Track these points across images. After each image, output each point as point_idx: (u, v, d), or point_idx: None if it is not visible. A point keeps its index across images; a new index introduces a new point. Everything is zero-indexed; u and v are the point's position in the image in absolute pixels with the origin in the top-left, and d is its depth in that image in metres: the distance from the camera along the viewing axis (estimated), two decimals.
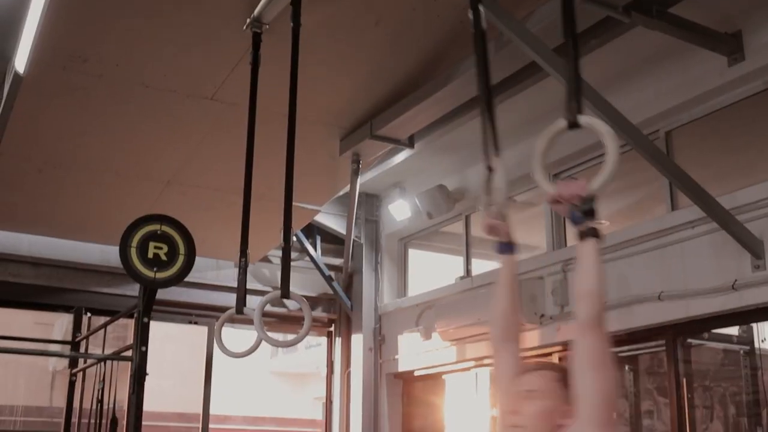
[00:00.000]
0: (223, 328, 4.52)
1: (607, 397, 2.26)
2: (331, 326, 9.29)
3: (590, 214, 2.32)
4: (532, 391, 2.48)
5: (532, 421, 2.45)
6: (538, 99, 6.15)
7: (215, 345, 4.54)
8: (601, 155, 6.46)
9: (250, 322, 4.14)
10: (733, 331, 5.87)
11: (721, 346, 6.11)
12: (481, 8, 3.47)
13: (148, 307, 5.08)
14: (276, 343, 4.25)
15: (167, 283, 4.94)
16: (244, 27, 4.73)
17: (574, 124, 2.42)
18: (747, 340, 5.88)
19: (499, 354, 2.74)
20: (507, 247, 2.81)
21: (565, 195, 2.35)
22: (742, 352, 5.87)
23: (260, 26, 4.73)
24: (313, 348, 17.16)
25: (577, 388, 2.30)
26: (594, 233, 2.30)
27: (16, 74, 4.94)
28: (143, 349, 5.01)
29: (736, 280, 4.90)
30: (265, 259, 8.54)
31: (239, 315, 4.28)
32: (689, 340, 5.61)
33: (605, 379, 2.26)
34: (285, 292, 4.00)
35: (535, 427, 2.44)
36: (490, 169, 3.03)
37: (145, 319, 5.05)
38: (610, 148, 2.35)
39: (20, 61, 4.86)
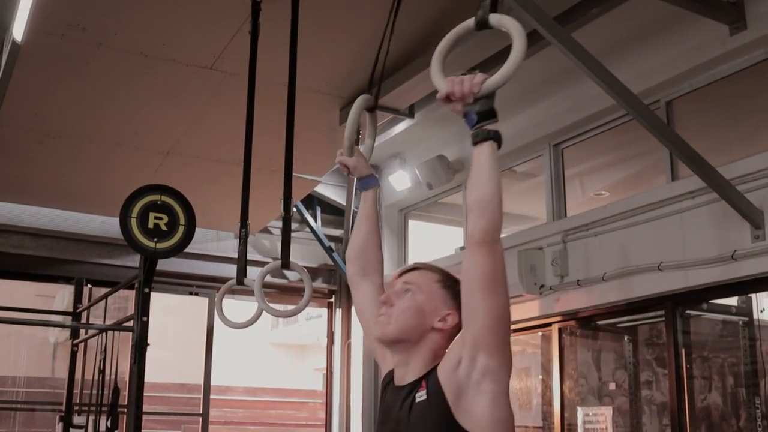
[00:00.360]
0: (224, 299, 4.54)
1: (499, 321, 2.03)
2: (331, 297, 9.32)
3: (488, 114, 2.02)
4: (409, 284, 2.27)
5: (402, 314, 2.23)
6: (538, 69, 6.13)
7: (216, 316, 4.55)
8: (603, 124, 6.47)
9: (250, 293, 4.16)
10: (732, 302, 5.88)
11: (719, 317, 6.13)
12: None
13: (148, 278, 5.09)
14: (277, 314, 4.26)
15: (168, 253, 4.94)
16: None
17: (483, 23, 2.11)
18: (746, 311, 5.90)
19: (359, 288, 2.53)
20: (367, 181, 2.62)
21: (458, 92, 2.02)
22: (740, 322, 5.89)
23: None
24: (314, 319, 17.24)
25: (464, 311, 2.07)
26: (491, 136, 2.01)
27: (14, 43, 4.91)
28: (144, 319, 5.02)
29: (735, 251, 4.90)
30: (266, 230, 8.55)
31: (240, 286, 4.29)
32: (688, 311, 5.62)
33: (497, 302, 2.02)
34: (285, 263, 4.01)
35: (404, 321, 2.22)
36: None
37: (146, 290, 5.05)
38: (517, 43, 2.02)
39: (18, 30, 4.82)
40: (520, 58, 2.01)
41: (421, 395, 2.13)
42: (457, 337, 2.20)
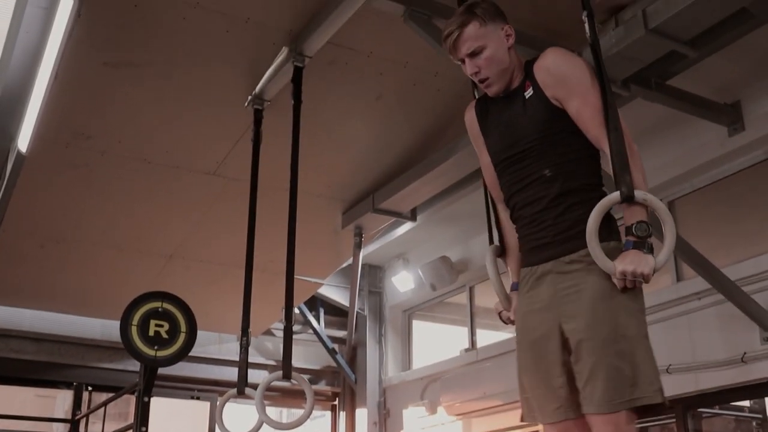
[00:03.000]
0: (226, 404, 4.44)
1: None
2: (335, 400, 9.17)
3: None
4: (469, 47, 2.62)
5: (491, 67, 2.62)
6: None
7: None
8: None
9: (253, 398, 4.08)
10: (744, 401, 5.78)
11: (733, 415, 6.02)
12: None
13: (148, 386, 5.02)
14: (278, 426, 4.16)
15: (168, 361, 4.88)
16: (246, 104, 4.77)
17: (629, 198, 2.34)
18: (759, 409, 5.79)
19: None
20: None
21: (630, 275, 2.29)
22: (754, 423, 5.77)
23: (261, 103, 4.77)
24: (318, 419, 16.90)
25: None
26: None
27: (19, 153, 4.96)
28: (143, 429, 4.93)
29: (745, 353, 4.83)
30: (268, 332, 8.47)
31: (241, 395, 4.21)
32: (700, 410, 5.51)
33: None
34: (287, 373, 3.94)
35: (498, 68, 2.62)
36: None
37: (146, 399, 4.98)
38: (668, 225, 2.32)
39: (23, 140, 4.88)
40: (674, 241, 2.31)
41: (528, 92, 2.60)
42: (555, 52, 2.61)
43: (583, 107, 2.51)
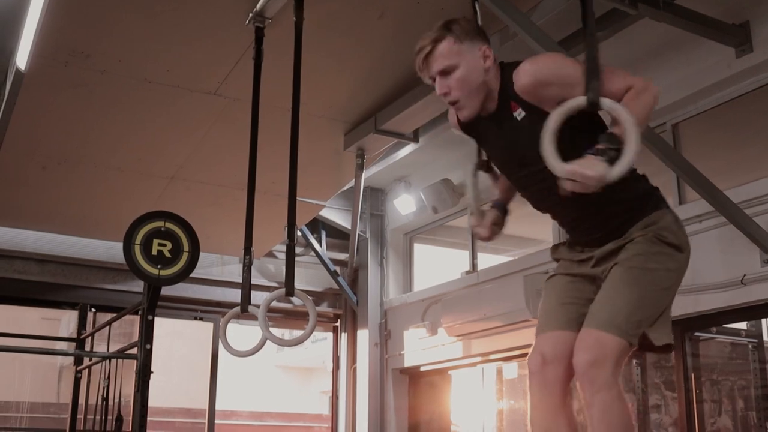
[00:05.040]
0: (229, 325, 4.49)
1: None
2: (336, 321, 9.28)
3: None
4: (441, 66, 2.50)
5: (462, 88, 2.49)
6: None
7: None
8: None
9: (255, 318, 4.11)
10: (742, 324, 5.83)
11: (729, 339, 6.08)
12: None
13: (152, 305, 5.06)
14: (281, 342, 4.22)
15: (171, 280, 4.92)
16: (247, 22, 4.70)
17: (594, 104, 2.32)
18: (755, 333, 5.85)
19: None
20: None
21: (578, 176, 2.26)
22: (750, 345, 5.83)
23: (263, 21, 4.69)
24: (319, 342, 17.17)
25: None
26: None
27: (18, 70, 4.91)
28: (148, 347, 4.99)
29: (744, 275, 4.86)
30: (270, 254, 8.52)
31: (244, 313, 4.25)
32: (697, 334, 5.57)
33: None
34: (289, 291, 3.96)
35: (468, 90, 2.49)
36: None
37: (150, 317, 5.03)
38: (630, 136, 2.25)
39: (22, 58, 4.83)
40: (635, 150, 2.23)
41: (518, 113, 2.47)
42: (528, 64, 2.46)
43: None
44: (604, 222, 2.52)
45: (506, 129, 2.52)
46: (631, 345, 2.39)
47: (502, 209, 2.87)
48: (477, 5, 3.50)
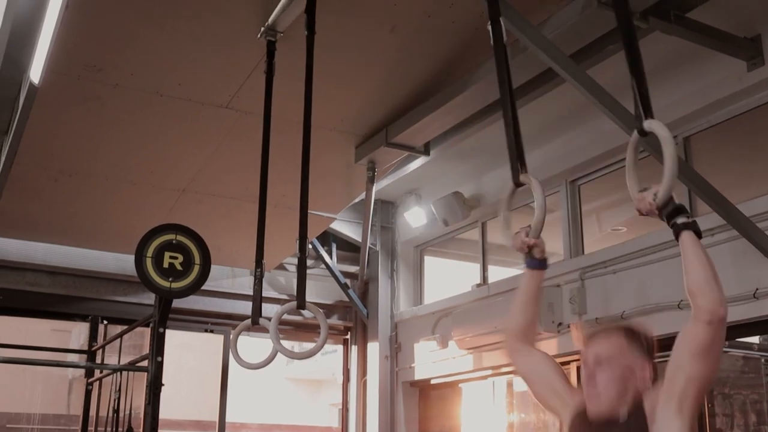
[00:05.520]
0: (239, 337, 4.50)
1: (701, 389, 2.29)
2: (347, 334, 9.27)
3: (675, 212, 2.36)
4: (600, 357, 2.47)
5: (607, 390, 2.43)
6: (555, 105, 6.12)
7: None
8: (620, 160, 6.42)
9: (266, 331, 4.12)
10: (754, 339, 5.81)
11: (741, 353, 6.05)
12: (501, 21, 3.43)
13: (163, 318, 5.08)
14: (292, 356, 4.23)
15: (183, 293, 4.93)
16: (258, 36, 4.72)
17: (643, 132, 2.54)
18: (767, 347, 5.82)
19: (529, 356, 2.79)
20: (538, 263, 2.82)
21: (645, 212, 2.41)
22: (763, 359, 5.80)
23: (275, 34, 4.71)
24: (330, 354, 17.13)
25: (670, 365, 2.30)
26: (684, 227, 2.32)
27: (31, 84, 4.94)
28: (159, 359, 5.00)
29: (757, 289, 4.83)
30: (281, 267, 8.53)
31: (255, 326, 4.26)
32: None
33: (703, 369, 2.27)
34: (301, 303, 3.97)
35: (612, 396, 2.42)
36: (517, 185, 3.00)
37: (161, 330, 5.05)
38: (668, 155, 2.40)
39: (35, 72, 4.85)
40: (675, 169, 2.38)
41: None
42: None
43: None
44: None
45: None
46: None
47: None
48: (500, 21, 3.49)
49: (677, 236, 2.33)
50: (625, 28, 2.73)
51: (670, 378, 2.31)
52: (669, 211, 2.36)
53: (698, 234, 2.33)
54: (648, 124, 2.53)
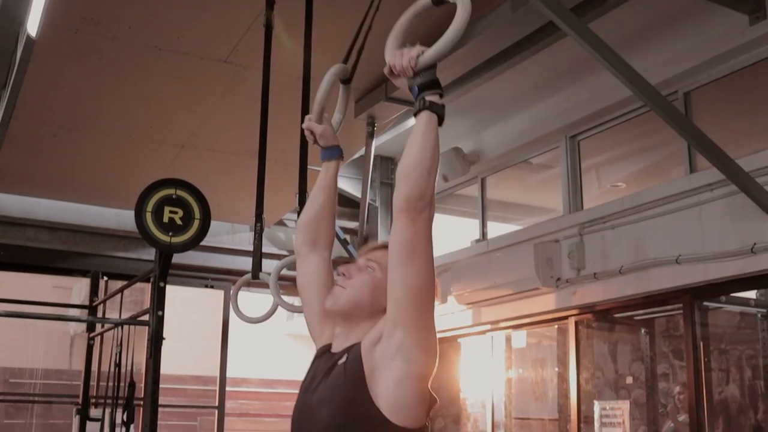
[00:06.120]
0: (240, 293, 4.53)
1: (415, 294, 1.94)
2: None
3: (429, 85, 1.99)
4: (371, 261, 2.17)
5: (357, 289, 2.14)
6: (555, 59, 6.08)
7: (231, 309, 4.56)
8: (620, 116, 6.41)
9: (266, 286, 4.14)
10: (751, 294, 5.84)
11: (738, 309, 6.09)
12: None
13: (163, 272, 5.09)
14: (292, 309, 4.24)
15: (183, 247, 4.94)
16: None
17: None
18: (764, 303, 5.85)
19: (306, 260, 2.40)
20: (331, 151, 2.53)
21: (398, 66, 2.02)
22: (759, 315, 5.84)
23: None
24: None
25: (388, 284, 1.99)
26: (428, 107, 1.96)
27: (29, 38, 4.90)
28: (159, 313, 5.03)
29: (755, 244, 4.85)
30: (281, 223, 8.55)
31: (255, 280, 4.27)
32: (706, 303, 5.57)
33: (413, 273, 1.93)
34: None
35: (358, 296, 2.13)
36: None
37: (161, 284, 5.06)
38: (458, 16, 2.00)
39: (32, 25, 4.82)
40: (458, 32, 1.98)
41: (342, 360, 2.07)
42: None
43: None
44: None
45: (326, 366, 2.16)
46: None
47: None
48: None
49: (417, 113, 1.97)
50: None
51: (389, 299, 1.98)
52: (424, 81, 1.99)
53: (440, 120, 1.97)
54: None
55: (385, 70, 2.08)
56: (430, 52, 1.99)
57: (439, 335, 2.03)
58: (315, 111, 2.49)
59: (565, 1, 4.36)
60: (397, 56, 2.03)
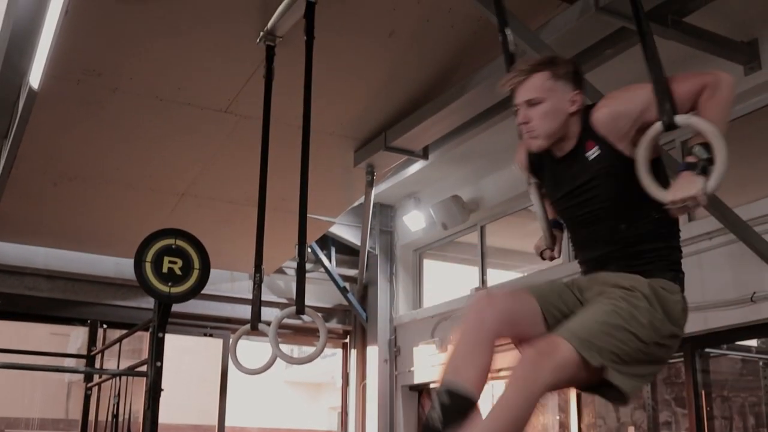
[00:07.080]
0: (239, 341, 4.51)
1: None
2: (346, 338, 9.27)
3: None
4: (530, 98, 2.47)
5: (541, 124, 2.46)
6: None
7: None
8: None
9: (265, 335, 4.12)
10: (752, 342, 5.81)
11: (739, 356, 6.06)
12: (508, 32, 3.41)
13: (162, 323, 5.07)
14: (291, 361, 4.23)
15: (182, 297, 4.93)
16: (258, 40, 4.73)
17: (671, 125, 2.32)
18: (766, 350, 5.83)
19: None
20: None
21: (679, 202, 2.25)
22: (761, 362, 5.81)
23: (274, 39, 4.73)
24: (329, 358, 17.11)
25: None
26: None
27: (31, 89, 4.95)
28: (158, 364, 5.00)
29: (754, 292, 4.84)
30: (280, 271, 8.53)
31: (254, 330, 4.26)
32: (707, 350, 5.55)
33: None
34: (300, 309, 3.98)
35: (546, 127, 2.46)
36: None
37: (160, 335, 5.04)
38: (717, 145, 2.20)
39: (35, 76, 4.87)
40: (726, 161, 2.20)
41: (592, 153, 2.44)
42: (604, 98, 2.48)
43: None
44: (628, 260, 2.47)
45: (576, 168, 2.50)
46: (583, 361, 2.26)
47: (559, 227, 2.90)
48: (506, 33, 3.44)
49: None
50: (640, 27, 2.66)
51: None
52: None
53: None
54: (682, 119, 2.33)
55: (667, 205, 2.30)
56: (713, 185, 2.21)
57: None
58: (547, 237, 2.86)
59: (562, 52, 4.39)
60: (679, 192, 2.24)
